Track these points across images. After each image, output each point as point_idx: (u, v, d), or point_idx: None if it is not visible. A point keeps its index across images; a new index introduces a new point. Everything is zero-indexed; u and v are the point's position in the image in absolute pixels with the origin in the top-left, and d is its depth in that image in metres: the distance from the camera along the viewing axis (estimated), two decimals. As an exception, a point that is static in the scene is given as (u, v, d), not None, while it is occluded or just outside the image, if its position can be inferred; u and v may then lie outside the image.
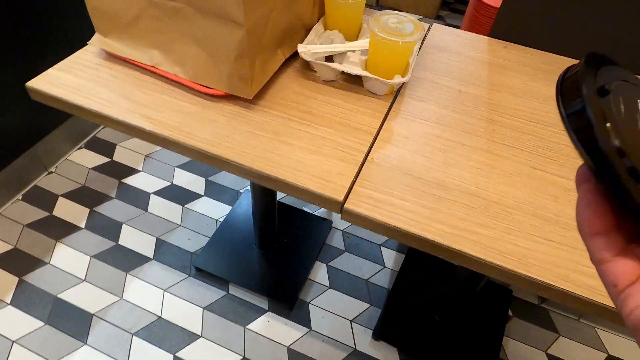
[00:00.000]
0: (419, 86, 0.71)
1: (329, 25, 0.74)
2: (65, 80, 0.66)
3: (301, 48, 0.67)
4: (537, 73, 0.76)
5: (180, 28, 0.60)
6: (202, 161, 0.59)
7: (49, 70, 0.67)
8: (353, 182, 0.55)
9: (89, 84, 0.65)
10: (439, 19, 2.35)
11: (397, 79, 0.64)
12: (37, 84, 0.65)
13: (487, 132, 0.64)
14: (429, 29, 0.85)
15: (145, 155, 1.48)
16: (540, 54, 0.81)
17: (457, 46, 0.81)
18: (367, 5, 0.76)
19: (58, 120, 1.39)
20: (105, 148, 1.49)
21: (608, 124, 0.19)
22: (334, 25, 0.72)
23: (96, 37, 0.68)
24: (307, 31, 0.73)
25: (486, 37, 0.84)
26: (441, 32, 0.84)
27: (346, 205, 0.53)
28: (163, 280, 1.17)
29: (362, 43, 0.69)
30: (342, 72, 0.67)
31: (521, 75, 0.75)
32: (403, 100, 0.68)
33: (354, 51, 0.68)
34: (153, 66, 0.66)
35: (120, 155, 1.48)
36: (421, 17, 2.33)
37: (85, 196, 1.35)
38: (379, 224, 0.52)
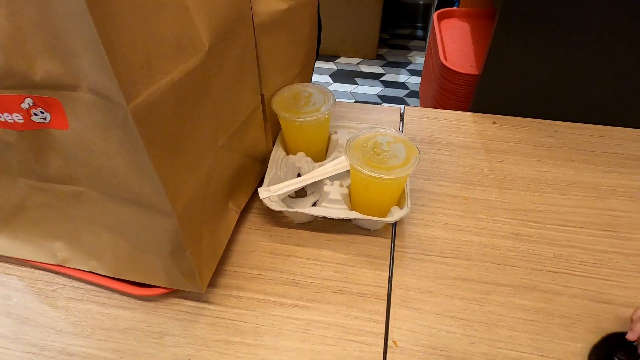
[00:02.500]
0: (417, 203, 0.57)
1: (290, 147, 0.58)
2: (-62, 313, 0.46)
3: (264, 193, 0.51)
4: (542, 153, 0.64)
5: (86, 215, 0.43)
6: (160, 404, 0.41)
7: None
8: (382, 399, 0.39)
9: (-26, 313, 0.46)
10: (380, 57, 2.29)
11: (396, 214, 0.49)
12: None
13: (518, 255, 0.50)
14: (402, 118, 0.72)
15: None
16: (535, 124, 0.69)
17: (441, 133, 0.68)
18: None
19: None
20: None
21: None
22: (297, 147, 0.57)
23: None
24: (263, 164, 0.57)
25: (469, 114, 0.72)
26: (416, 117, 0.72)
27: None
28: None
29: (336, 165, 0.54)
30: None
31: (526, 159, 0.63)
32: (404, 231, 0.53)
33: (331, 182, 0.53)
34: (59, 265, 0.47)
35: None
36: (361, 59, 2.27)
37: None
38: None
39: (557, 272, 0.49)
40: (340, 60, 2.29)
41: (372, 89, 2.08)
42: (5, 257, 0.50)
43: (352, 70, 2.21)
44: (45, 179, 0.40)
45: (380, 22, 2.14)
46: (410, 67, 2.24)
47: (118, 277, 0.46)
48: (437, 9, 1.19)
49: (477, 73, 0.83)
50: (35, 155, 0.38)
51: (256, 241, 0.52)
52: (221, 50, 0.40)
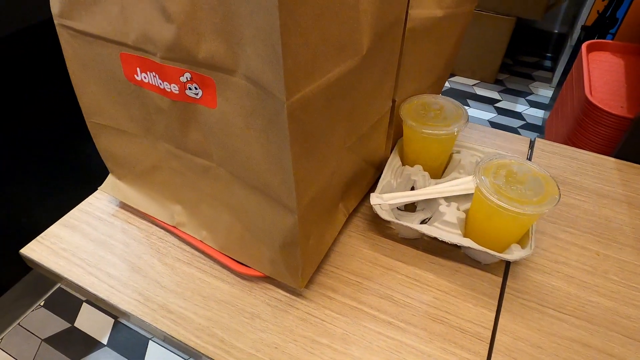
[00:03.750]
0: (538, 245, 0.51)
1: (407, 158, 0.56)
2: (69, 244, 0.51)
3: (375, 200, 0.49)
4: (702, 220, 0.54)
5: (210, 189, 0.44)
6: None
7: (52, 228, 0.53)
8: None
9: (98, 251, 0.50)
10: (498, 83, 2.17)
11: (516, 252, 0.45)
12: (34, 252, 0.50)
13: (657, 335, 0.43)
14: (531, 148, 0.65)
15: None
16: (696, 185, 0.59)
17: (576, 174, 0.61)
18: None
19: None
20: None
21: None
22: (415, 159, 0.54)
23: (109, 180, 0.54)
24: (377, 170, 0.56)
25: (613, 160, 0.63)
26: (548, 151, 0.65)
27: None
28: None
29: (455, 186, 0.51)
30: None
31: (680, 224, 0.54)
32: (519, 273, 0.48)
33: (447, 203, 0.49)
34: (174, 227, 0.50)
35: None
36: (478, 81, 2.16)
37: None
38: None
39: None
40: (456, 79, 2.20)
41: (484, 114, 1.97)
42: (132, 208, 0.54)
43: (466, 92, 2.11)
44: (183, 148, 0.42)
45: (507, 46, 2.01)
46: (530, 97, 2.08)
47: (224, 252, 0.47)
48: (584, 39, 1.08)
49: (629, 116, 0.73)
50: (180, 125, 0.40)
51: (357, 246, 0.51)
52: (374, 54, 0.39)
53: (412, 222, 0.50)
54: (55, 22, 0.40)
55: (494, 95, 2.09)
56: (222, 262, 0.48)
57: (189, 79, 0.35)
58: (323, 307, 0.45)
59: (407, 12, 0.43)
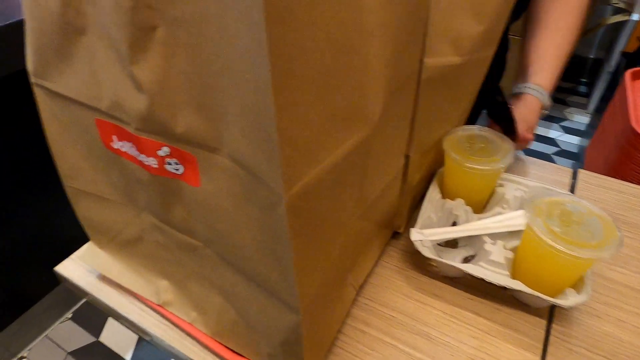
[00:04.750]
0: (584, 285, 0.48)
1: (448, 191, 0.54)
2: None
3: (416, 235, 0.47)
4: None
5: (198, 268, 0.39)
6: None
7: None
8: None
9: (129, 271, 0.50)
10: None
11: (571, 298, 0.42)
12: (67, 270, 0.50)
13: None
14: (574, 179, 0.63)
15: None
16: None
17: (624, 209, 0.58)
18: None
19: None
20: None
21: None
22: (457, 192, 0.52)
23: (89, 249, 0.49)
24: (388, 228, 0.51)
25: (665, 195, 0.60)
26: (593, 184, 0.62)
27: None
28: None
29: (500, 222, 0.48)
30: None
31: None
32: (566, 316, 0.45)
33: (492, 240, 0.47)
34: (160, 305, 0.45)
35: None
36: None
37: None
38: None
39: None
40: (486, 103, 2.17)
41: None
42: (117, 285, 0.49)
43: (497, 116, 2.07)
44: (167, 222, 0.38)
45: (541, 70, 1.97)
46: (565, 123, 2.03)
47: (216, 339, 0.42)
48: (626, 66, 1.04)
49: (679, 148, 0.70)
50: (161, 199, 0.36)
51: (391, 277, 0.49)
52: (386, 116, 0.34)
53: (455, 259, 0.48)
54: (31, 80, 0.36)
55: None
56: (212, 348, 0.42)
57: (167, 153, 0.31)
58: (356, 342, 0.43)
59: (421, 61, 0.39)
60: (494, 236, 0.47)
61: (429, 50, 0.39)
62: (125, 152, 0.34)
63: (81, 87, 0.33)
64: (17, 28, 0.73)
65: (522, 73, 0.63)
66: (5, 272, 1.06)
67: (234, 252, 0.33)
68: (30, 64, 0.35)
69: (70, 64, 0.33)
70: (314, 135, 0.25)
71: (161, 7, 0.24)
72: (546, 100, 0.61)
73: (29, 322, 1.14)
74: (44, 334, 1.17)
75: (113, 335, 1.17)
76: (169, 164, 0.32)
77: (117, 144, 0.35)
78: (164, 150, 0.31)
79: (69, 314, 1.22)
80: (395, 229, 0.53)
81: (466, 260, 0.49)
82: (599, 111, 1.26)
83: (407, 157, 0.46)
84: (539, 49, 0.62)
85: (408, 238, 0.48)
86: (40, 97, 0.37)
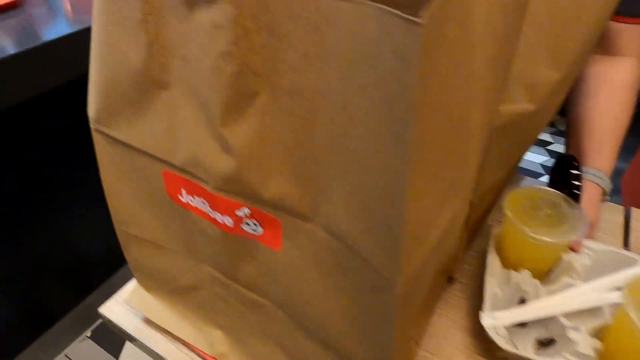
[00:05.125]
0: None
1: (509, 259, 0.48)
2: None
3: (488, 320, 0.42)
4: None
5: (261, 326, 0.38)
6: None
7: (129, 285, 0.51)
8: None
9: (176, 315, 0.48)
10: (550, 124, 2.09)
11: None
12: (112, 313, 0.49)
13: None
14: (627, 220, 0.60)
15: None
16: None
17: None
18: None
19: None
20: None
21: None
22: (519, 262, 0.47)
23: (136, 292, 0.47)
24: (447, 281, 0.50)
25: None
26: (648, 224, 0.60)
27: None
28: None
29: (575, 298, 0.43)
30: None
31: None
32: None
33: (574, 325, 0.41)
34: (214, 357, 0.43)
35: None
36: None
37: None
38: None
39: None
40: (504, 118, 2.15)
41: (536, 157, 1.90)
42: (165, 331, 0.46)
43: (516, 132, 2.05)
44: (232, 277, 0.36)
45: (562, 87, 1.95)
46: (585, 141, 2.00)
47: None
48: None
49: None
50: (230, 257, 0.34)
51: (448, 327, 0.47)
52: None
53: (524, 340, 0.43)
54: (91, 125, 0.35)
55: (546, 137, 2.02)
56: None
57: (247, 214, 0.29)
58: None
59: (497, 109, 0.37)
60: (571, 317, 0.42)
61: (505, 97, 0.37)
62: (194, 207, 0.33)
63: (151, 140, 0.32)
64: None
65: (573, 149, 0.56)
66: (24, 290, 1.04)
67: (313, 321, 0.31)
68: (93, 111, 0.34)
69: (143, 116, 0.31)
70: (428, 216, 0.24)
71: (271, 75, 0.23)
72: (608, 186, 0.53)
73: (48, 341, 1.12)
74: (62, 353, 1.15)
75: (132, 355, 1.15)
76: (247, 224, 0.30)
77: (185, 198, 0.33)
78: (243, 211, 0.30)
79: (88, 332, 1.21)
80: (450, 274, 0.51)
81: (540, 343, 0.44)
82: (636, 133, 1.20)
83: (471, 202, 0.43)
84: (595, 124, 0.54)
85: (461, 282, 0.46)
86: (99, 143, 0.36)
